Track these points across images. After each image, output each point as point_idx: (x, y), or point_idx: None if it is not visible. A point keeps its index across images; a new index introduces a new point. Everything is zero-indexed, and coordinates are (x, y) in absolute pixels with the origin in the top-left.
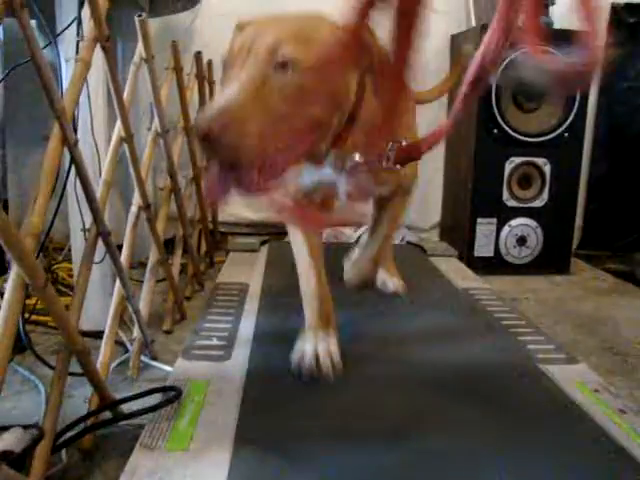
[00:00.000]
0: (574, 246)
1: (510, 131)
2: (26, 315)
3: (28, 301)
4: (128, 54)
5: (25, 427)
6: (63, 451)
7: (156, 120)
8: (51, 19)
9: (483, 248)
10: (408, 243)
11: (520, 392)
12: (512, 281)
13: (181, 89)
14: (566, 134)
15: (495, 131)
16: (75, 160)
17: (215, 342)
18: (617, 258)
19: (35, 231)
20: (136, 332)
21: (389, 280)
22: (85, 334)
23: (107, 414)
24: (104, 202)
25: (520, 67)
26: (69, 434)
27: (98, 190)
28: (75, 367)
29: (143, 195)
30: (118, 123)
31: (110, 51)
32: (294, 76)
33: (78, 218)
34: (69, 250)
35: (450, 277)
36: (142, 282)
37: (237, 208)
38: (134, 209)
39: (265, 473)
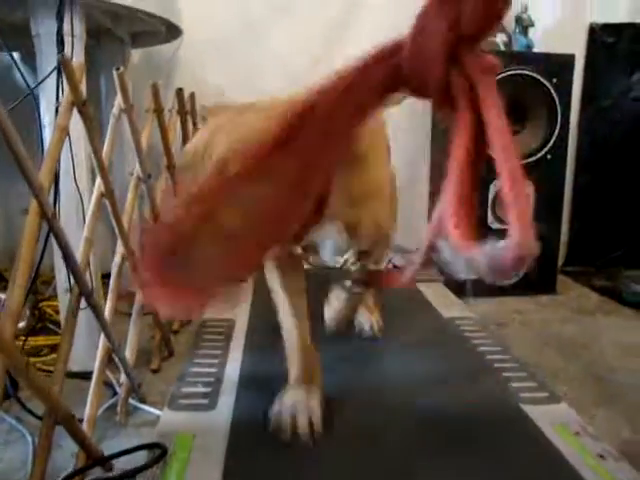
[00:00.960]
0: (560, 263)
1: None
2: None
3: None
4: (110, 86)
5: None
6: None
7: (137, 166)
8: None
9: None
10: (394, 267)
11: (500, 436)
12: (498, 302)
13: (163, 130)
14: (549, 156)
15: None
16: (54, 232)
17: (200, 389)
18: (602, 274)
19: (15, 313)
20: (123, 378)
21: (366, 321)
22: (72, 375)
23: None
24: (86, 260)
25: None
26: None
27: (80, 246)
28: None
29: (126, 245)
30: (98, 180)
31: (88, 115)
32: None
33: (63, 271)
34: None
35: (436, 304)
36: (130, 314)
37: None
38: (117, 259)
39: None
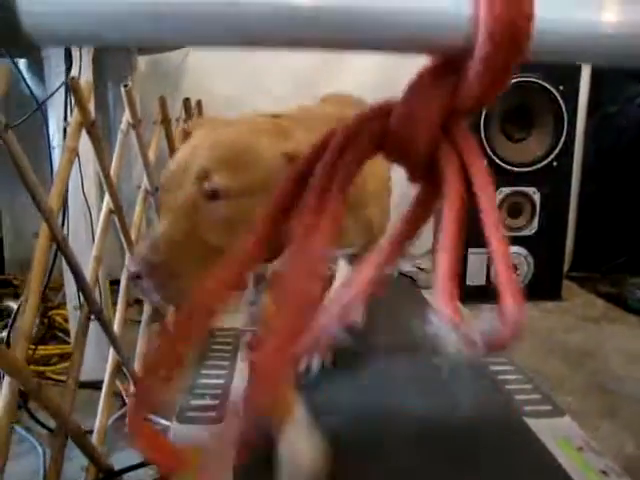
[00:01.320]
0: (566, 269)
1: (499, 161)
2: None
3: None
4: (117, 94)
5: None
6: None
7: (145, 180)
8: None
9: (475, 277)
10: (400, 274)
11: (503, 451)
12: None
13: (170, 141)
14: (555, 163)
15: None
16: (65, 254)
17: (208, 401)
18: (607, 280)
19: (27, 335)
20: (132, 389)
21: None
22: (82, 385)
23: None
24: (95, 277)
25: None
26: None
27: (89, 263)
28: None
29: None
30: (107, 197)
31: (96, 136)
32: (224, 204)
33: (72, 286)
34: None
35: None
36: (139, 322)
37: None
38: (124, 282)
39: None
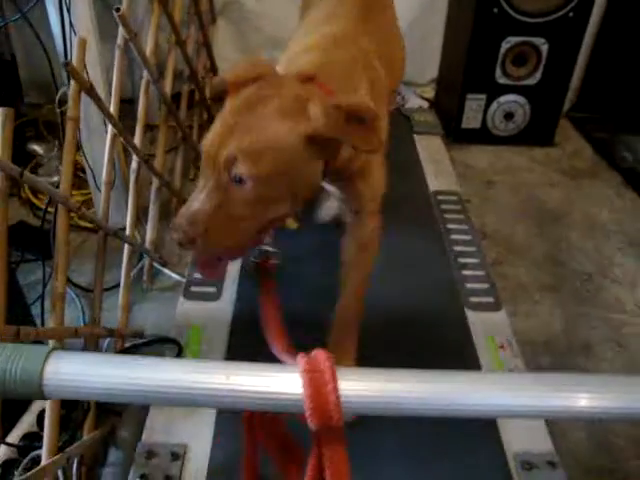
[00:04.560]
0: (567, 107)
1: (511, 11)
2: None
3: None
4: None
5: None
6: None
7: (145, 72)
8: None
9: (471, 121)
10: (398, 112)
11: (435, 340)
12: (494, 155)
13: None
14: (571, 14)
15: (495, 10)
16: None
17: None
18: (605, 124)
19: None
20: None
21: None
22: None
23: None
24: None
25: None
26: None
27: (102, 192)
28: None
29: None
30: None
31: (96, 95)
32: (249, 188)
33: None
34: None
35: (426, 171)
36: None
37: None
38: (135, 165)
39: None
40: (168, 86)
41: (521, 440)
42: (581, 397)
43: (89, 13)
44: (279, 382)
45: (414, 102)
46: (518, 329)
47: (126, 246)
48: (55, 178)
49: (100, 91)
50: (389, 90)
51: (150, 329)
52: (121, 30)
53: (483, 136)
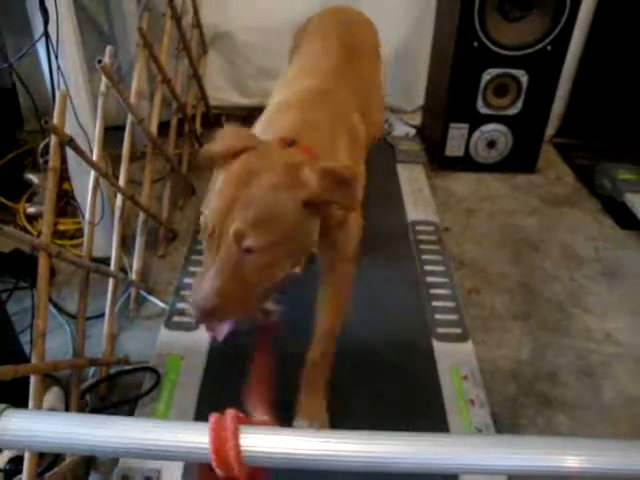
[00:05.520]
0: (552, 133)
1: (490, 44)
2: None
3: None
4: None
5: None
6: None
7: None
8: None
9: (454, 148)
10: (384, 140)
11: (399, 370)
12: (476, 182)
13: None
14: (549, 47)
15: (475, 44)
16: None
17: None
18: (588, 150)
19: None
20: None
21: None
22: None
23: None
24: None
25: None
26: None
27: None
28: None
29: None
30: None
31: (77, 147)
32: (259, 256)
33: None
34: None
35: (405, 201)
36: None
37: (227, 93)
38: (119, 202)
39: None
40: (154, 125)
41: None
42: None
43: (77, 54)
44: (191, 437)
45: (401, 129)
46: (487, 358)
47: (110, 279)
48: None
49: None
50: (369, 138)
51: (135, 356)
52: (104, 79)
53: (466, 163)
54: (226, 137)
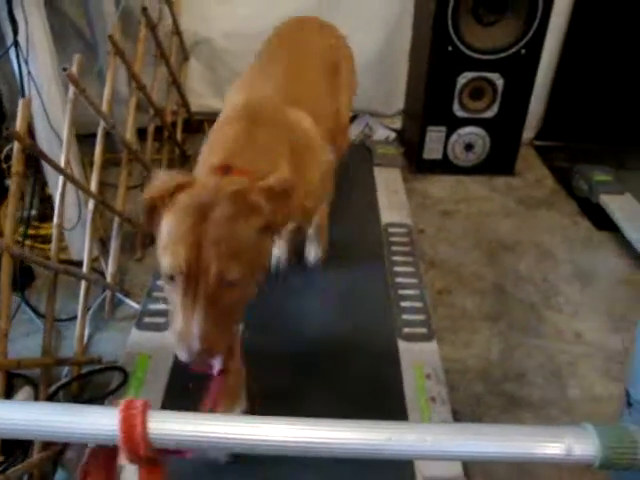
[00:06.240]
0: (532, 136)
1: (464, 48)
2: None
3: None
4: None
5: None
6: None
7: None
8: None
9: (432, 152)
10: (363, 145)
11: (363, 368)
12: (455, 185)
13: None
14: (523, 50)
15: (449, 48)
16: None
17: (162, 306)
18: (568, 152)
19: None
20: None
21: (310, 252)
22: (72, 263)
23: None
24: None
25: None
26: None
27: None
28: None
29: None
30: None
31: (41, 152)
32: (237, 286)
33: None
34: None
35: (380, 204)
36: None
37: (208, 99)
38: (91, 205)
39: None
40: (129, 131)
41: None
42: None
43: (50, 61)
44: (100, 419)
45: (382, 133)
46: (456, 357)
47: (83, 281)
48: (33, 212)
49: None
50: (332, 140)
51: (109, 357)
52: (71, 87)
53: (445, 166)
54: (158, 180)
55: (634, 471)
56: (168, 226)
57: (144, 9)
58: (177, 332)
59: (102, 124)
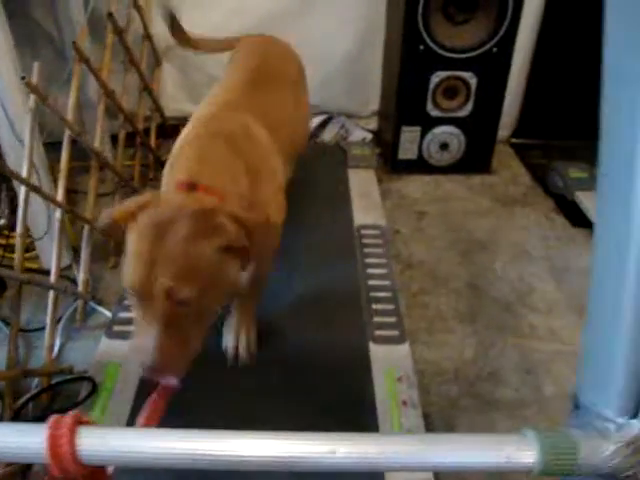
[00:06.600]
0: (508, 134)
1: (436, 48)
2: None
3: None
4: None
5: None
6: None
7: None
8: None
9: (407, 152)
10: (338, 146)
11: (334, 372)
12: (430, 184)
13: None
14: (495, 49)
15: (421, 47)
16: None
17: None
18: (545, 150)
19: None
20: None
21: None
22: (45, 272)
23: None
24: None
25: None
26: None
27: (17, 242)
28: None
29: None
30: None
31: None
32: (191, 305)
33: None
34: None
35: (354, 206)
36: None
37: (182, 103)
38: (58, 214)
39: None
40: (98, 138)
41: None
42: None
43: (13, 70)
44: (26, 437)
45: (358, 134)
46: (430, 359)
47: (51, 291)
48: (3, 221)
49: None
50: (287, 156)
51: (81, 366)
52: (32, 95)
53: (420, 166)
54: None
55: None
56: (129, 244)
57: (110, 14)
58: (133, 346)
59: (67, 132)
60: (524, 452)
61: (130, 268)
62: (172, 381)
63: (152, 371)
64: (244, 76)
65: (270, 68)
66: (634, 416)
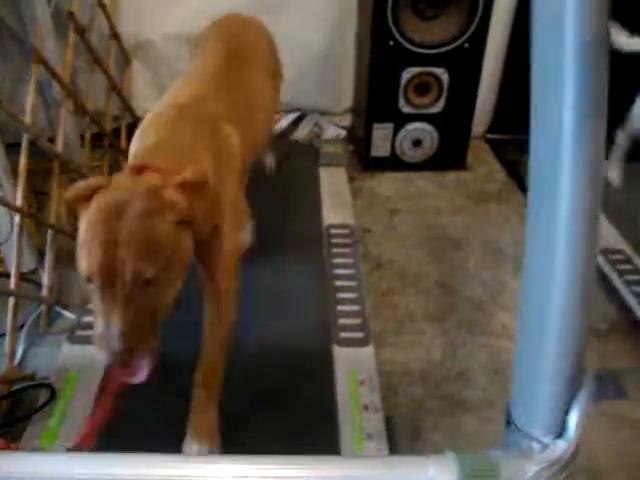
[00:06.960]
0: (483, 130)
1: (406, 43)
2: None
3: None
4: None
5: None
6: None
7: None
8: None
9: (380, 149)
10: (311, 144)
11: (296, 375)
12: (403, 182)
13: None
14: (466, 44)
15: (391, 43)
16: None
17: None
18: (520, 144)
19: None
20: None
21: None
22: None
23: None
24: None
25: None
26: None
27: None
28: None
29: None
30: None
31: None
32: (155, 284)
33: None
34: None
35: (324, 205)
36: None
37: (153, 102)
38: (17, 219)
39: None
40: (60, 143)
41: None
42: None
43: None
44: None
45: (332, 132)
46: (398, 360)
47: (11, 297)
48: None
49: None
50: (250, 147)
51: (44, 372)
52: None
53: (393, 163)
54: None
55: None
56: (83, 228)
57: (70, 13)
58: (97, 333)
59: (26, 136)
60: (445, 474)
61: (90, 253)
62: (142, 367)
63: (118, 356)
64: (212, 64)
65: (239, 50)
66: (559, 436)
